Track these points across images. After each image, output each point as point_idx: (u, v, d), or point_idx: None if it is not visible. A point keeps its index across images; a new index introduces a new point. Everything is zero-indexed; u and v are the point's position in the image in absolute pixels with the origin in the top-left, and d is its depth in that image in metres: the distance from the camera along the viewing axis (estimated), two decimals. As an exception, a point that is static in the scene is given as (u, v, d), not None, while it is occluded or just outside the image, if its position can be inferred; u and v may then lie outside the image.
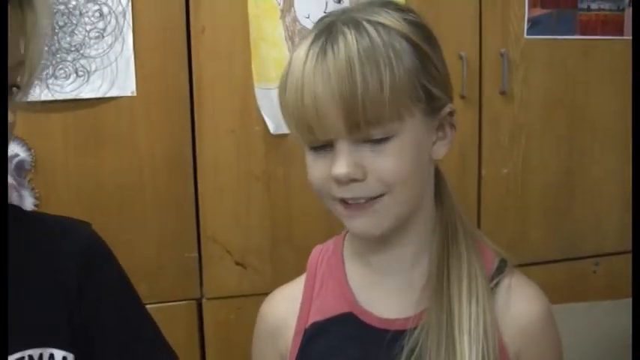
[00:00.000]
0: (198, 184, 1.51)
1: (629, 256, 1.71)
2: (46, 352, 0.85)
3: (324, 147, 0.84)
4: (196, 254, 1.53)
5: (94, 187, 1.46)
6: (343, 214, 0.87)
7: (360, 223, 0.86)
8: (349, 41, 0.80)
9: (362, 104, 0.79)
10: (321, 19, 0.87)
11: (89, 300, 0.89)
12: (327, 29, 0.83)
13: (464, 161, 1.63)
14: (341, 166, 0.82)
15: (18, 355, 0.83)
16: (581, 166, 1.71)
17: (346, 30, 0.81)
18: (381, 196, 0.84)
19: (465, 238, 0.92)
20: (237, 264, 1.53)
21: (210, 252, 1.53)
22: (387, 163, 0.83)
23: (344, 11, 0.86)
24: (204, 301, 1.53)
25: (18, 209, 0.93)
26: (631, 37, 1.68)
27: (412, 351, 0.87)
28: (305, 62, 0.81)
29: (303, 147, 0.88)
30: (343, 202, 0.85)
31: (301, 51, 0.83)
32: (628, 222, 1.73)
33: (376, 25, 0.82)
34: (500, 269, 0.93)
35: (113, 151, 1.47)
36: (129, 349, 0.93)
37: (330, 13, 0.88)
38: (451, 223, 0.93)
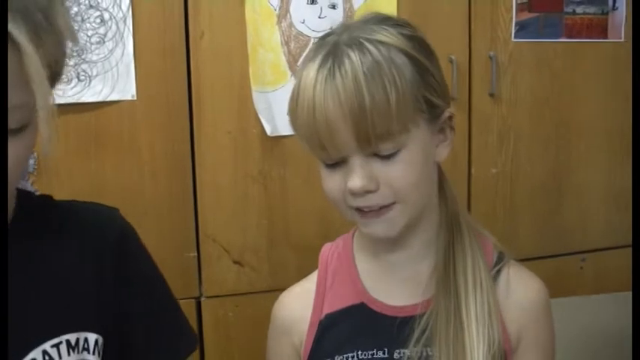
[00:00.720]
0: (197, 185, 1.54)
1: (615, 252, 1.77)
2: (82, 336, 0.87)
3: (337, 162, 0.90)
4: (195, 253, 1.56)
5: (96, 189, 1.49)
6: (360, 221, 0.93)
7: (376, 228, 0.93)
8: (354, 61, 0.86)
9: (371, 119, 0.85)
10: (324, 37, 0.92)
11: (123, 284, 0.93)
12: (333, 51, 0.88)
13: (454, 161, 1.67)
14: (356, 180, 0.88)
15: (55, 340, 0.85)
16: (567, 165, 1.76)
17: (350, 51, 0.86)
18: (394, 202, 0.90)
19: (468, 230, 0.98)
20: (235, 263, 1.57)
21: (208, 251, 1.56)
22: (398, 172, 0.88)
23: (344, 30, 0.91)
24: (203, 299, 1.57)
25: (49, 198, 0.95)
26: (615, 40, 1.74)
27: (422, 333, 0.93)
28: (315, 85, 0.86)
29: (317, 160, 0.93)
30: (359, 210, 0.91)
31: (310, 73, 0.88)
32: (613, 219, 1.78)
33: (376, 43, 0.87)
34: (500, 259, 1.00)
35: (114, 154, 1.50)
36: (157, 332, 0.97)
37: (333, 31, 0.93)
38: (455, 217, 0.99)
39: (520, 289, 0.98)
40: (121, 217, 0.98)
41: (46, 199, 0.95)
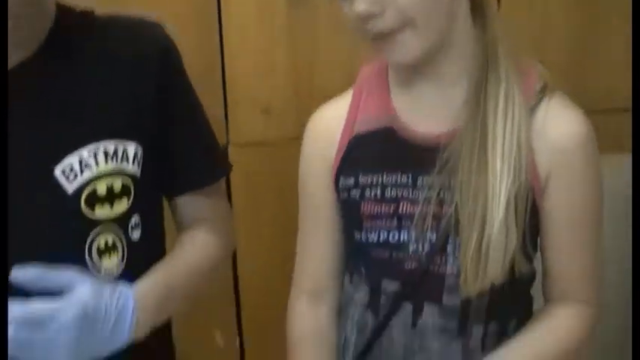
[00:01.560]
0: (224, 33, 1.55)
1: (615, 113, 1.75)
2: (120, 145, 0.90)
3: None
4: (222, 102, 1.59)
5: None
6: (375, 48, 0.95)
7: (393, 55, 0.94)
8: None
9: None
10: None
11: (164, 94, 0.95)
12: None
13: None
14: (360, 4, 0.90)
15: (92, 146, 0.88)
16: (593, 25, 1.73)
17: None
18: (404, 26, 0.90)
19: (506, 59, 0.96)
20: (262, 111, 1.59)
21: (235, 100, 1.59)
22: None
23: None
24: (230, 146, 1.60)
25: (90, 14, 0.96)
26: None
27: (447, 162, 0.94)
28: None
29: None
30: (375, 38, 0.92)
31: None
32: (614, 81, 1.77)
33: None
34: (542, 91, 0.97)
35: (138, 6, 1.48)
36: (195, 148, 1.00)
37: None
38: (491, 45, 0.96)
39: (556, 126, 0.96)
40: (165, 34, 0.99)
41: (87, 15, 0.96)
